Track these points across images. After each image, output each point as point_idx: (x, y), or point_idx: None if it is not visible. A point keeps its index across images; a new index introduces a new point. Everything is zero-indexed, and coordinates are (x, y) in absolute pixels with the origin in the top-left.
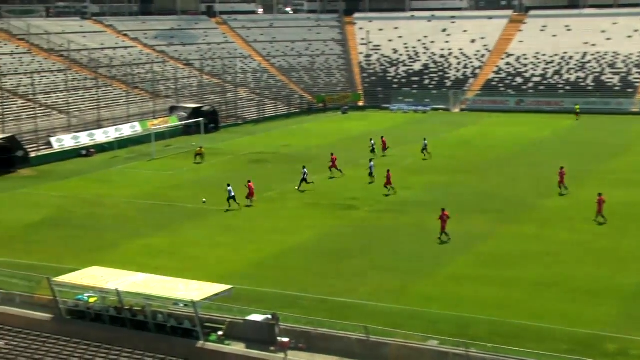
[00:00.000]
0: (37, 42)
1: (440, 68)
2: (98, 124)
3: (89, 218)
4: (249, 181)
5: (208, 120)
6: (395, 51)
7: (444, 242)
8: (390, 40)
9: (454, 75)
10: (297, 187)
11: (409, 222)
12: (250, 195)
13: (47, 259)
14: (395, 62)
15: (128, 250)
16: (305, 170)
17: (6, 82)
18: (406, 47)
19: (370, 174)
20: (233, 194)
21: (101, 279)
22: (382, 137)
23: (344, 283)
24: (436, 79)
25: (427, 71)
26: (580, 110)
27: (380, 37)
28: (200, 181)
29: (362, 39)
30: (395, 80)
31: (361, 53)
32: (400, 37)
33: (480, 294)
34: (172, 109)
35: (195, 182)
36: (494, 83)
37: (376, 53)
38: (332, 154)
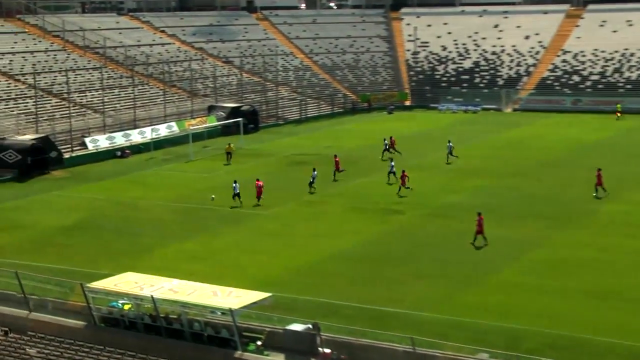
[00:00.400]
0: (72, 38)
1: (492, 66)
2: (134, 124)
3: (124, 221)
4: (258, 180)
5: (247, 121)
6: (444, 48)
7: (479, 247)
8: (438, 37)
9: (506, 74)
10: (309, 190)
11: (457, 227)
12: (259, 194)
13: (81, 264)
14: (444, 60)
15: (163, 255)
16: (314, 172)
17: (40, 80)
18: (456, 44)
19: (391, 173)
20: (238, 191)
21: (136, 285)
22: (391, 137)
23: (388, 291)
24: (487, 77)
25: (477, 69)
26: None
27: (428, 33)
28: (241, 183)
29: (410, 35)
30: (444, 79)
31: (408, 50)
32: (450, 33)
33: (532, 304)
34: (211, 109)
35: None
36: (549, 82)
37: (424, 50)
38: (335, 156)
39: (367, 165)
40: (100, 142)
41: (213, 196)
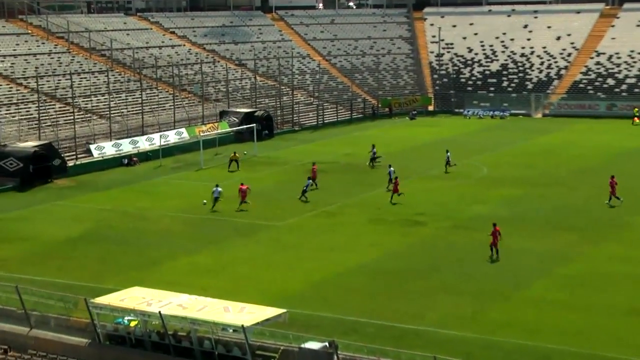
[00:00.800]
0: (77, 40)
1: (521, 69)
2: (141, 130)
3: (131, 233)
4: (242, 184)
5: (261, 127)
6: (470, 50)
7: (494, 260)
8: (464, 38)
9: (536, 77)
10: (301, 198)
11: (483, 240)
12: (243, 198)
13: (85, 278)
14: (470, 62)
15: (172, 268)
16: (309, 181)
17: (43, 84)
18: (482, 46)
19: (390, 180)
20: (217, 195)
21: (143, 301)
22: (373, 145)
23: (410, 307)
24: (516, 80)
25: (505, 72)
26: None
27: (453, 34)
28: (252, 193)
29: (433, 36)
30: (470, 82)
31: (432, 52)
32: (476, 34)
33: (563, 321)
34: (223, 114)
35: (249, 194)
36: (581, 85)
37: (449, 52)
38: (313, 164)
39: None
40: (106, 149)
41: (205, 201)
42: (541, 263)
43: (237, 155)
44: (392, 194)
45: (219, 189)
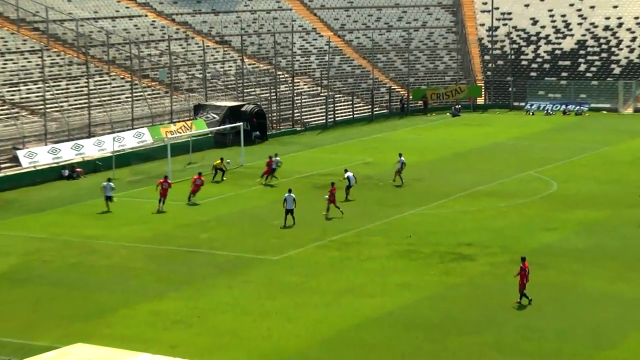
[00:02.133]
0: (1, 9)
1: (604, 47)
2: (88, 131)
3: (74, 270)
4: (200, 174)
5: (251, 126)
6: (535, 22)
7: (524, 305)
8: (526, 5)
9: (626, 58)
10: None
11: (552, 280)
12: (194, 191)
13: (11, 332)
14: (534, 39)
15: (130, 318)
16: (290, 195)
17: None
18: (552, 16)
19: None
20: (110, 194)
21: None
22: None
23: None
24: (597, 63)
25: (583, 52)
26: None
27: (511, 0)
28: (242, 215)
29: (484, 3)
30: (534, 67)
31: (482, 25)
32: (543, 0)
33: None
34: (198, 109)
35: (233, 217)
36: None
37: (505, 25)
38: (332, 185)
39: (422, 190)
40: (39, 156)
41: (229, 160)
42: (631, 313)
43: (222, 162)
44: (327, 206)
45: (111, 183)
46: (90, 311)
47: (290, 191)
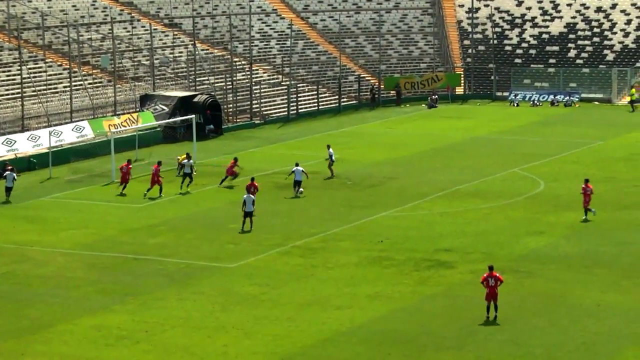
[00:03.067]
0: None
1: (597, 31)
2: (21, 125)
3: (4, 281)
4: (129, 161)
5: (204, 119)
6: (520, 2)
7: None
8: None
9: (620, 43)
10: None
11: (540, 289)
12: (124, 181)
13: None
14: (519, 22)
15: (69, 334)
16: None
17: None
18: None
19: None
20: (10, 185)
21: None
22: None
23: None
24: (589, 48)
25: (573, 36)
26: None
27: None
28: (194, 218)
29: None
30: (519, 52)
31: (461, 6)
32: None
33: None
34: (145, 100)
35: (185, 221)
36: None
37: (487, 6)
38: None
39: (396, 190)
40: None
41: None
42: (626, 325)
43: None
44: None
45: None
46: (24, 326)
47: (248, 192)
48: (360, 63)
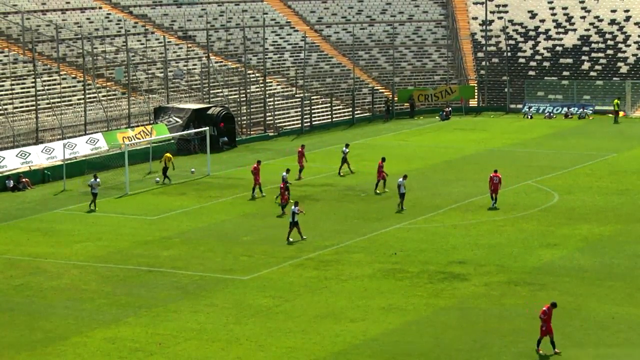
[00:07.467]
0: None
1: (610, 43)
2: (35, 137)
3: (18, 293)
4: (258, 162)
5: (218, 131)
6: (533, 15)
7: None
8: None
9: (634, 55)
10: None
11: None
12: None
13: None
14: (532, 34)
15: (83, 346)
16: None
17: None
18: (552, 8)
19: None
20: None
21: None
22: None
23: None
24: (603, 61)
25: (586, 48)
26: None
27: None
28: (206, 231)
29: None
30: (533, 65)
31: (475, 18)
32: None
33: None
34: (159, 112)
35: (198, 233)
36: None
37: (501, 18)
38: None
39: (410, 202)
40: None
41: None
42: None
43: (170, 158)
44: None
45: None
46: (37, 339)
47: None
48: (374, 75)
